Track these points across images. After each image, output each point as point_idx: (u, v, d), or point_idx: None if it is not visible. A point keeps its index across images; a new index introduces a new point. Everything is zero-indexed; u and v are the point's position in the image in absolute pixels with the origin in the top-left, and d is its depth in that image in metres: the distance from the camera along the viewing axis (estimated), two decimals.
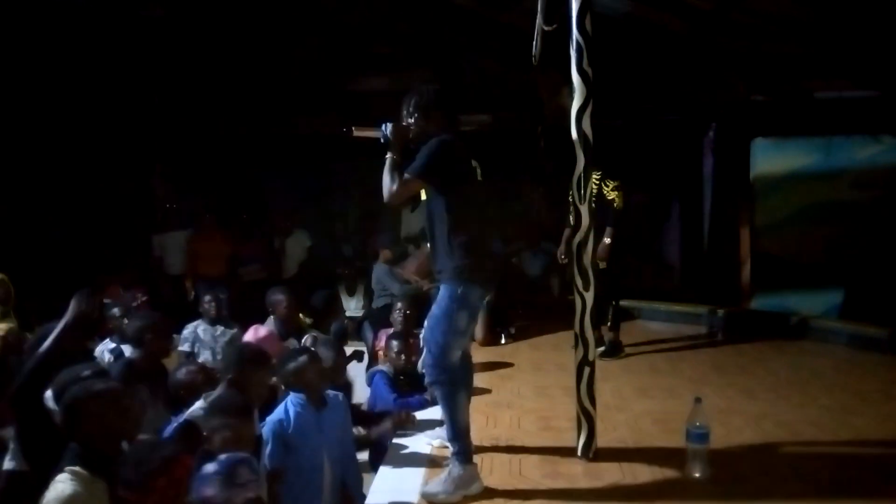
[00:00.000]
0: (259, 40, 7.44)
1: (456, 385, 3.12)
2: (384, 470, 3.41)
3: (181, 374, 3.38)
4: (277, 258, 8.01)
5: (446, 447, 3.22)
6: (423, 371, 3.31)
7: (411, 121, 3.16)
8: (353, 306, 7.17)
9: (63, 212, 7.58)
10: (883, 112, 6.80)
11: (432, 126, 3.14)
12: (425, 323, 3.22)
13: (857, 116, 6.90)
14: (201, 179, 8.65)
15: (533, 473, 3.29)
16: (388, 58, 7.51)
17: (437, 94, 3.21)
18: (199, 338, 5.10)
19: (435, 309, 3.12)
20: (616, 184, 5.44)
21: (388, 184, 3.02)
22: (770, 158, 7.51)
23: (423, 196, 3.16)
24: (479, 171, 3.20)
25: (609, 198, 5.38)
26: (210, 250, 7.17)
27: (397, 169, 3.02)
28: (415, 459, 3.49)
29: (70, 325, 2.59)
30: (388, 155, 3.05)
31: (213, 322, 5.18)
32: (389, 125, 3.08)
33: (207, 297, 5.33)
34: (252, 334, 4.42)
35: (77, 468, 2.11)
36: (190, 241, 7.32)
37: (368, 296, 6.93)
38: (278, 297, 4.89)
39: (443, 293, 3.10)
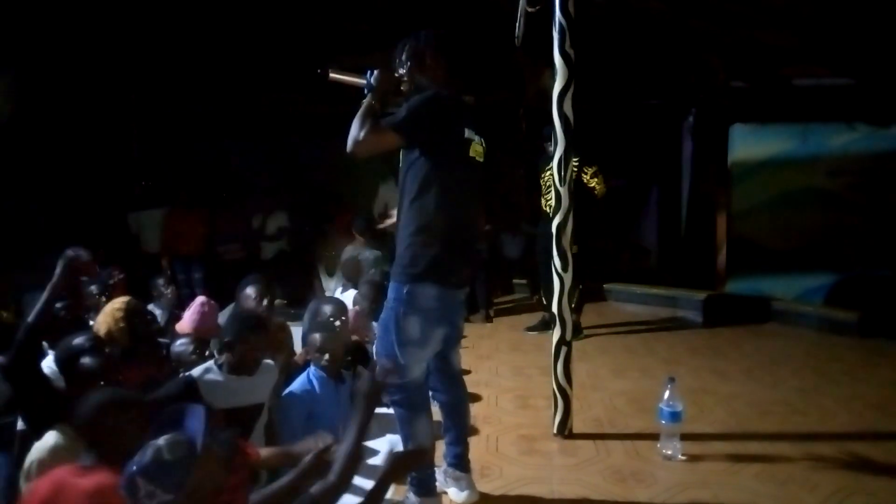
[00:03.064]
0: (236, 15, 7.33)
1: (416, 408, 2.63)
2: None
3: (178, 346, 3.38)
4: (256, 238, 7.97)
5: (444, 492, 2.81)
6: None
7: (403, 71, 2.62)
8: (332, 286, 7.15)
9: (39, 189, 7.46)
10: (859, 100, 6.89)
11: (429, 78, 2.59)
12: (376, 331, 2.74)
13: (834, 104, 6.98)
14: (179, 156, 8.54)
15: (509, 450, 3.34)
16: (369, 36, 7.44)
17: (438, 39, 2.64)
18: None
19: (383, 313, 2.63)
20: (594, 169, 5.46)
21: (355, 129, 2.41)
22: (748, 144, 7.59)
23: (402, 160, 2.61)
24: (482, 149, 2.64)
25: (590, 185, 5.39)
26: (187, 228, 7.09)
27: (372, 115, 2.44)
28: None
29: (58, 284, 2.58)
30: (366, 100, 2.49)
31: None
32: (376, 72, 2.54)
33: (161, 281, 4.86)
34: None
35: (65, 426, 2.24)
36: (166, 218, 7.24)
37: None
38: (247, 292, 4.20)
39: (389, 293, 2.60)
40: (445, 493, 2.82)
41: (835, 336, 5.78)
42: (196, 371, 2.96)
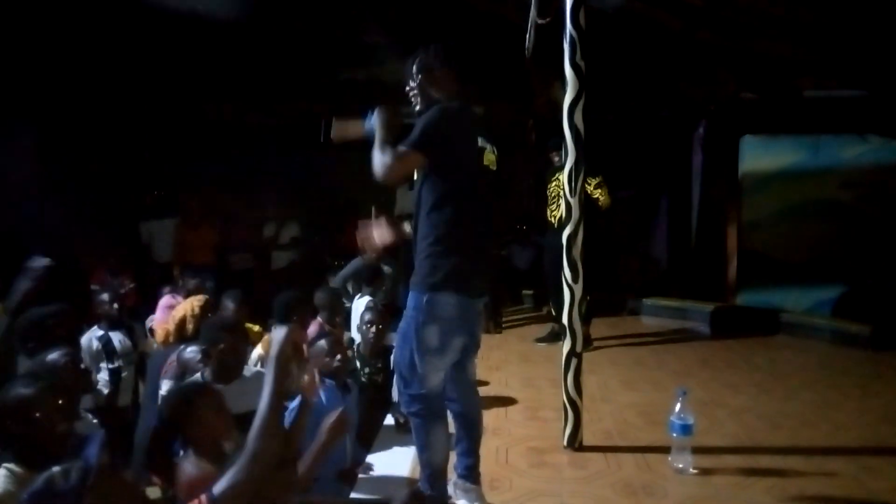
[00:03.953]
0: (249, 25, 7.39)
1: (433, 418, 2.62)
2: (361, 484, 3.09)
3: (187, 353, 3.42)
4: (267, 247, 8.00)
5: None
6: (398, 399, 2.82)
7: (413, 84, 2.68)
8: None
9: (52, 197, 7.53)
10: (870, 112, 6.87)
11: (438, 90, 2.64)
12: (395, 341, 2.75)
13: (845, 116, 6.96)
14: (190, 166, 8.61)
15: (519, 462, 3.33)
16: (380, 48, 7.49)
17: (446, 52, 2.69)
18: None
19: (402, 324, 2.65)
20: (598, 180, 5.43)
21: (379, 159, 2.47)
22: (758, 156, 7.58)
23: (416, 175, 2.68)
24: (495, 157, 2.75)
25: (594, 196, 5.36)
26: (198, 238, 7.14)
27: (390, 143, 2.49)
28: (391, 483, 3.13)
29: (25, 295, 2.48)
30: (378, 136, 2.53)
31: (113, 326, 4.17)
32: (374, 113, 2.58)
33: (104, 296, 4.26)
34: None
35: (12, 465, 2.11)
36: (178, 228, 7.29)
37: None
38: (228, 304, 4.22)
39: (409, 303, 2.62)
40: None
41: (846, 349, 5.73)
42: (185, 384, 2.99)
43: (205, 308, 3.80)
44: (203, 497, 1.77)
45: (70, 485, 1.57)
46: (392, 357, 2.82)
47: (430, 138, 2.49)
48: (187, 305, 3.84)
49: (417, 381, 2.57)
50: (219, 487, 1.80)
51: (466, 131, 2.61)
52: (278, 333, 2.02)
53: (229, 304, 4.13)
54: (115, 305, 4.19)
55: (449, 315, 2.54)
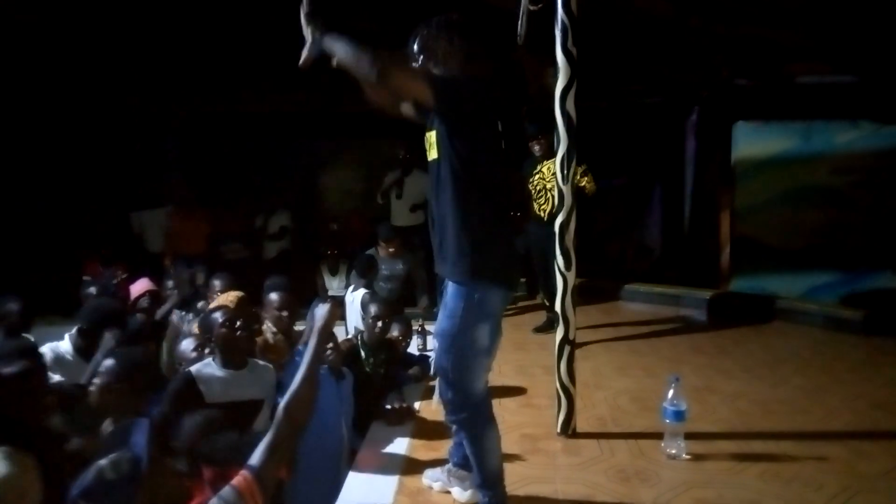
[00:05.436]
0: (239, 14, 7.32)
1: (485, 422, 2.50)
2: (354, 475, 3.07)
3: (183, 344, 3.42)
4: (259, 237, 7.96)
5: (447, 492, 2.78)
6: (440, 404, 2.58)
7: (416, 65, 2.44)
8: (335, 286, 7.15)
9: (43, 188, 7.48)
10: (862, 97, 6.87)
11: (445, 69, 2.42)
12: (435, 343, 2.52)
13: (838, 101, 6.96)
14: (182, 156, 8.55)
15: (513, 449, 3.32)
16: (372, 35, 7.44)
17: (449, 27, 2.43)
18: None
19: (445, 323, 2.40)
20: (583, 168, 5.40)
21: (366, 59, 2.17)
22: (751, 142, 7.57)
23: (434, 153, 2.40)
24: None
25: (580, 184, 5.34)
26: (190, 228, 7.09)
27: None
28: (389, 463, 3.18)
29: None
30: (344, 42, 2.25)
31: None
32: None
33: (92, 289, 4.33)
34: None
35: (5, 447, 2.09)
36: (169, 218, 7.24)
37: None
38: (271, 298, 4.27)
39: (454, 300, 2.38)
40: (449, 492, 2.81)
41: (840, 334, 5.75)
42: (195, 366, 3.07)
43: (238, 306, 3.67)
44: (244, 472, 1.76)
45: (121, 475, 1.55)
46: (433, 361, 2.58)
47: (453, 89, 2.24)
48: (220, 305, 3.77)
49: (468, 384, 2.41)
50: (256, 458, 1.79)
51: (494, 105, 2.41)
52: (321, 309, 2.12)
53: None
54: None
55: (497, 311, 2.43)
